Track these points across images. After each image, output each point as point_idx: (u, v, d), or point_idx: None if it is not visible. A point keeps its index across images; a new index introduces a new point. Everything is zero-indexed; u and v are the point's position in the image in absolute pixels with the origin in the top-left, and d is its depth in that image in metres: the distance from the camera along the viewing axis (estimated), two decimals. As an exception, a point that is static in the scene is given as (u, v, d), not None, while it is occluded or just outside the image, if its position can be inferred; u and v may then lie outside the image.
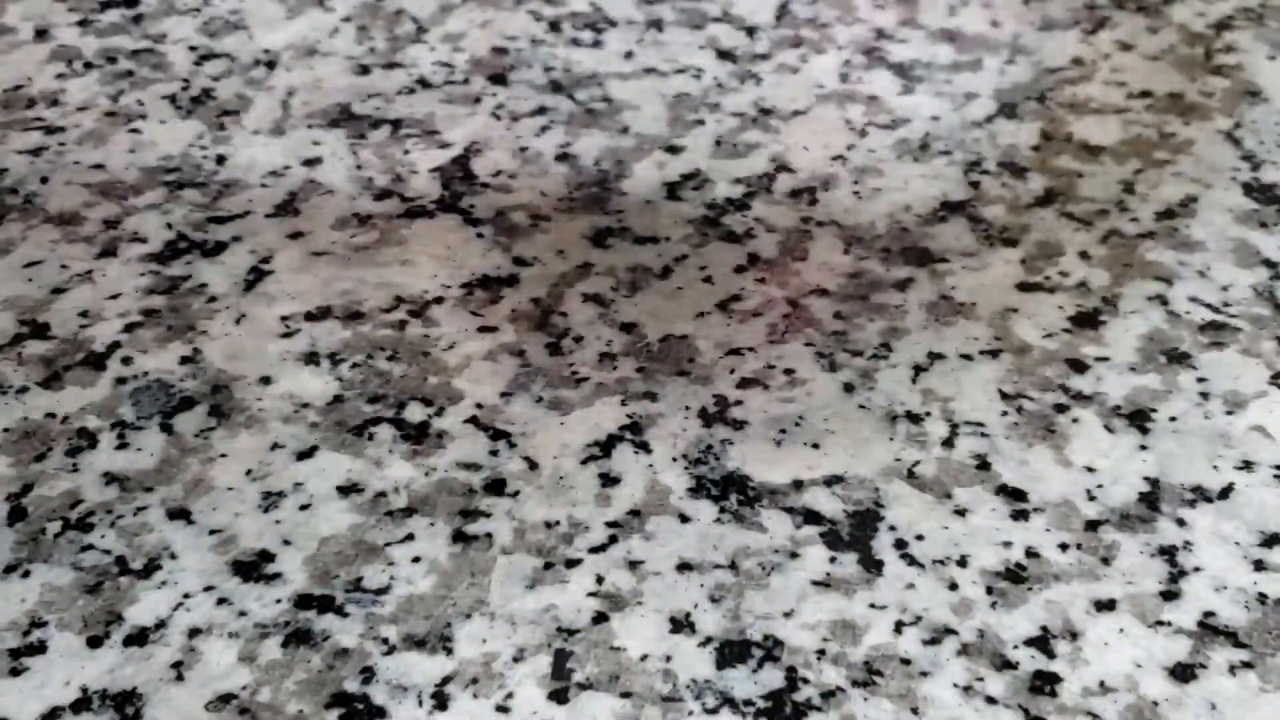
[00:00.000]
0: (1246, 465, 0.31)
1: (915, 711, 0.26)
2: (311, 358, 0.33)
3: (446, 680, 0.26)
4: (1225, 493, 0.30)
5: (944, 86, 0.43)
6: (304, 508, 0.30)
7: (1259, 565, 0.28)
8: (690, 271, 0.36)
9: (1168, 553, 0.29)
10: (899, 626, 0.27)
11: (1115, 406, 0.32)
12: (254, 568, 0.28)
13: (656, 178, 0.39)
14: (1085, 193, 0.38)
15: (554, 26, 0.46)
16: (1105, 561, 0.28)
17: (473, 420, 0.32)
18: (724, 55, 0.44)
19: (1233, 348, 0.33)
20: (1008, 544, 0.29)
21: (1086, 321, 0.34)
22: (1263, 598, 0.28)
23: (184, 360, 0.33)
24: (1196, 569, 0.28)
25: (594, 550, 0.29)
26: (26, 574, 0.28)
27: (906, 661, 0.27)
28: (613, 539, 0.29)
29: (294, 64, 0.44)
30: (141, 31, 0.45)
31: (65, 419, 0.32)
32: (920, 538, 0.29)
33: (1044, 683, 0.26)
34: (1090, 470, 0.30)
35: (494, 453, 0.31)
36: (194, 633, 0.27)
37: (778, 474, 0.30)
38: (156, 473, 0.30)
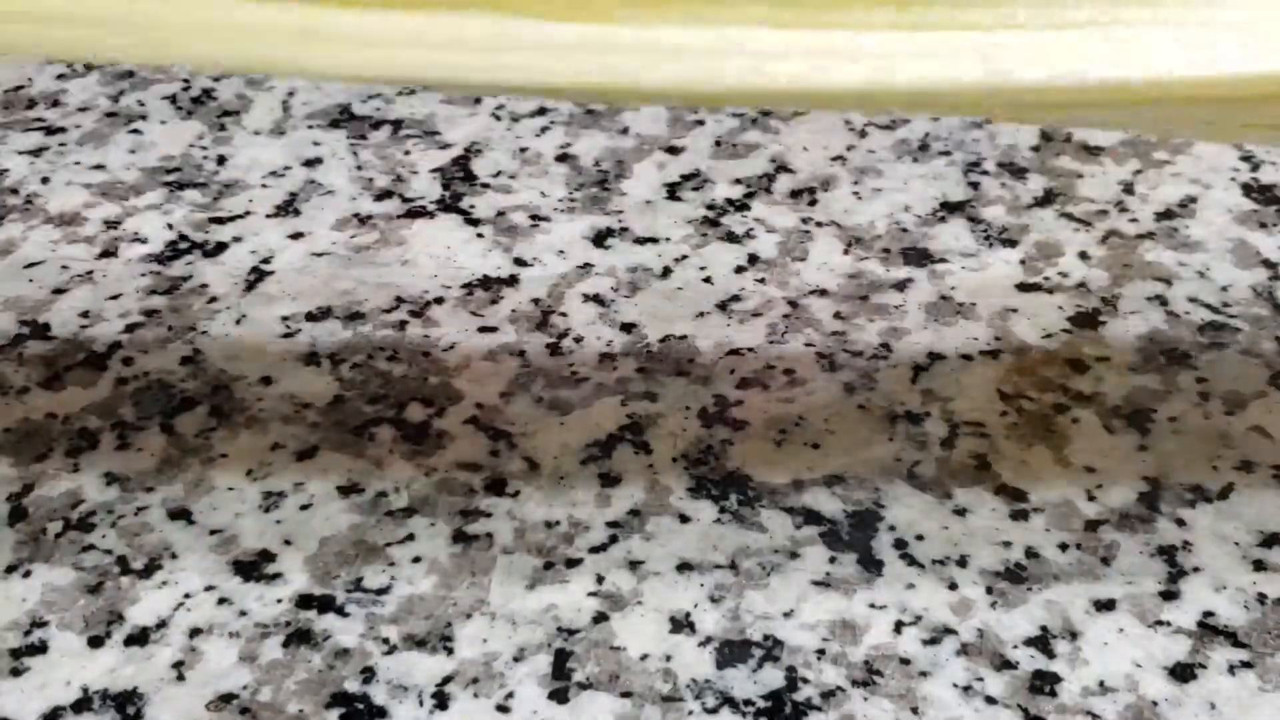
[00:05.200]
0: (1246, 465, 0.31)
1: (915, 711, 0.26)
2: (312, 358, 0.33)
3: (447, 680, 0.26)
4: (1225, 493, 0.30)
5: (944, 87, 0.43)
6: (304, 508, 0.30)
7: (1258, 565, 0.28)
8: (690, 271, 0.36)
9: (1167, 553, 0.29)
10: (899, 626, 0.27)
11: (1115, 407, 0.32)
12: (255, 568, 0.28)
13: (656, 178, 0.39)
14: (1084, 193, 0.38)
15: (554, 27, 0.46)
16: (1105, 561, 0.28)
17: (473, 420, 0.32)
18: (724, 56, 0.44)
19: (1232, 348, 0.33)
20: (1007, 544, 0.29)
21: (1086, 322, 0.34)
22: (1262, 598, 0.28)
23: (184, 360, 0.33)
24: (1196, 569, 0.28)
25: (594, 550, 0.29)
26: (27, 574, 0.28)
27: (906, 661, 0.27)
28: (613, 539, 0.29)
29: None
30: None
31: (66, 419, 0.32)
32: (920, 538, 0.29)
33: (1044, 682, 0.26)
34: (1090, 470, 0.30)
35: (494, 453, 0.31)
36: (195, 632, 0.27)
37: (778, 474, 0.30)
38: (157, 473, 0.30)
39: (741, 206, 0.38)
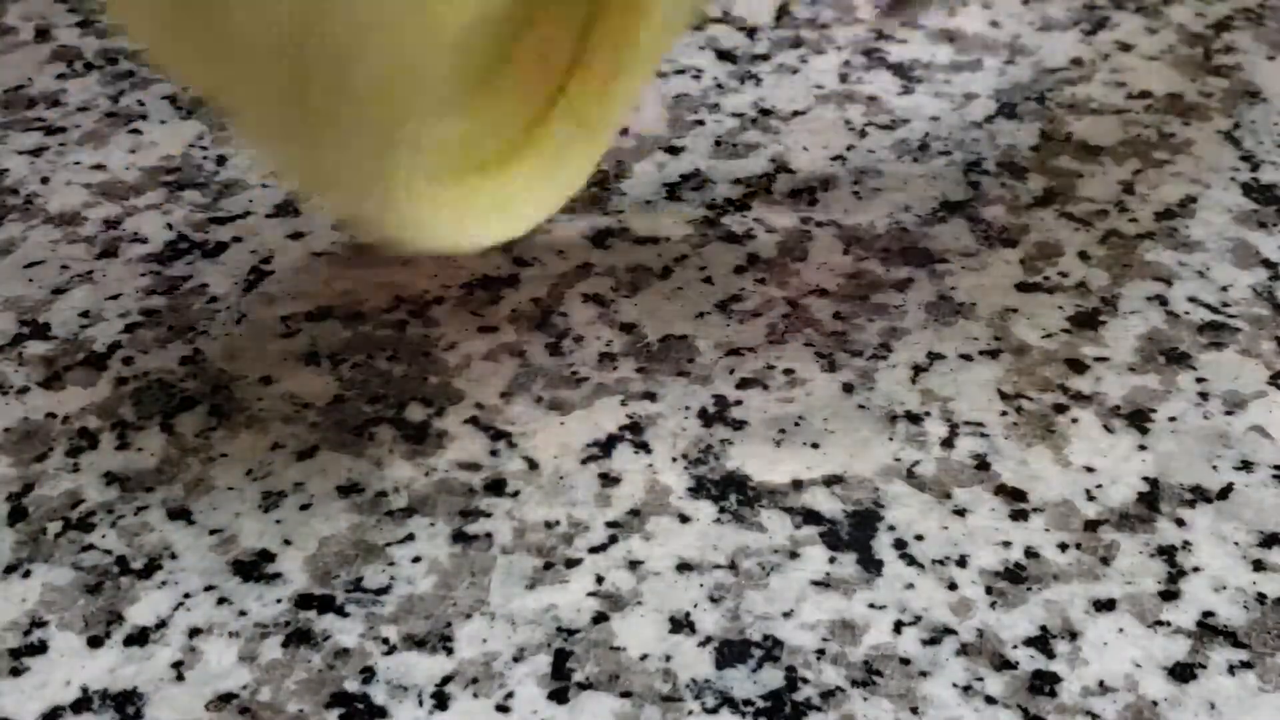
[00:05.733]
0: (1246, 465, 0.31)
1: (915, 711, 0.26)
2: (312, 358, 0.33)
3: (447, 680, 0.26)
4: (1224, 493, 0.30)
5: (943, 87, 0.43)
6: (304, 508, 0.30)
7: (1258, 565, 0.28)
8: (690, 271, 0.36)
9: (1167, 553, 0.29)
10: (898, 626, 0.27)
11: (1114, 407, 0.32)
12: (254, 567, 0.28)
13: (656, 178, 0.39)
14: (1084, 193, 0.38)
15: (554, 27, 0.46)
16: (1104, 561, 0.28)
17: (473, 420, 0.32)
18: (724, 55, 0.44)
19: (1232, 348, 0.33)
20: (1007, 544, 0.29)
21: (1086, 322, 0.34)
22: (1262, 598, 0.28)
23: (184, 360, 0.33)
24: (1196, 569, 0.28)
25: (594, 550, 0.29)
26: (27, 574, 0.28)
27: (906, 661, 0.27)
28: (613, 539, 0.29)
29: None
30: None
31: (66, 419, 0.32)
32: (919, 538, 0.29)
33: (1043, 682, 0.26)
34: (1089, 470, 0.30)
35: (494, 453, 0.31)
36: (194, 632, 0.27)
37: (777, 474, 0.30)
38: (157, 473, 0.30)
39: (741, 206, 0.38)
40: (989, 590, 0.28)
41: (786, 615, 0.27)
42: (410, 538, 0.29)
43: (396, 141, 0.27)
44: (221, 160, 0.40)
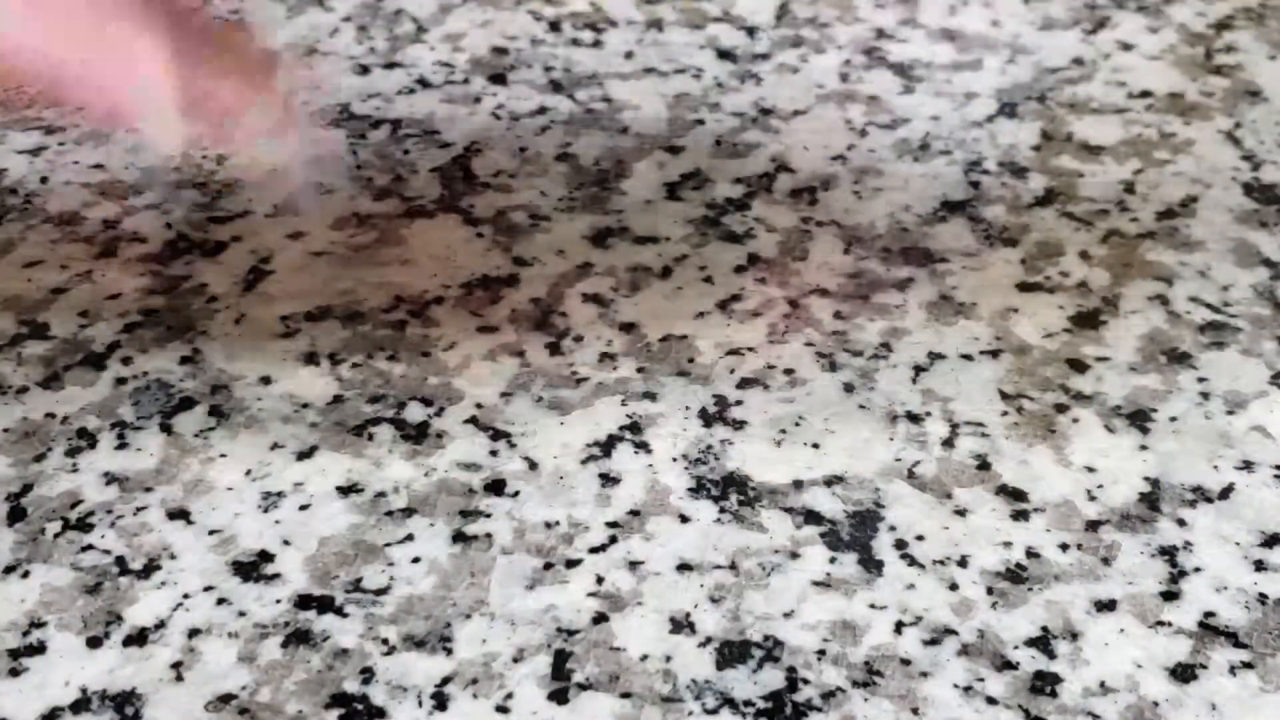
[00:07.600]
0: (1247, 465, 0.30)
1: (915, 712, 0.26)
2: (311, 358, 0.33)
3: (446, 680, 0.26)
4: (1226, 493, 0.30)
5: (944, 86, 0.43)
6: (304, 508, 0.30)
7: (1259, 565, 0.28)
8: (690, 271, 0.36)
9: (1168, 553, 0.29)
10: (899, 627, 0.27)
11: (1116, 406, 0.32)
12: (254, 568, 0.28)
13: (656, 178, 0.39)
14: (1085, 192, 0.38)
15: (554, 26, 0.46)
16: (1105, 562, 0.28)
17: (473, 420, 0.32)
18: (724, 55, 0.44)
19: (1233, 348, 0.33)
20: (1008, 544, 0.29)
21: (1087, 321, 0.34)
22: (1263, 598, 0.28)
23: (184, 360, 0.33)
24: (1197, 569, 0.28)
25: (594, 550, 0.29)
26: (26, 574, 0.28)
27: (907, 662, 0.27)
28: (613, 539, 0.29)
29: (293, 64, 0.44)
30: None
31: (65, 419, 0.32)
32: (920, 538, 0.29)
33: (1044, 683, 0.26)
34: (1090, 470, 0.30)
35: (494, 453, 0.31)
36: (193, 633, 0.27)
37: (778, 474, 0.30)
38: (156, 473, 0.30)
39: (741, 206, 0.38)
40: (990, 591, 0.28)
41: (787, 616, 0.27)
42: (410, 538, 0.29)
43: None
44: (221, 160, 0.40)
